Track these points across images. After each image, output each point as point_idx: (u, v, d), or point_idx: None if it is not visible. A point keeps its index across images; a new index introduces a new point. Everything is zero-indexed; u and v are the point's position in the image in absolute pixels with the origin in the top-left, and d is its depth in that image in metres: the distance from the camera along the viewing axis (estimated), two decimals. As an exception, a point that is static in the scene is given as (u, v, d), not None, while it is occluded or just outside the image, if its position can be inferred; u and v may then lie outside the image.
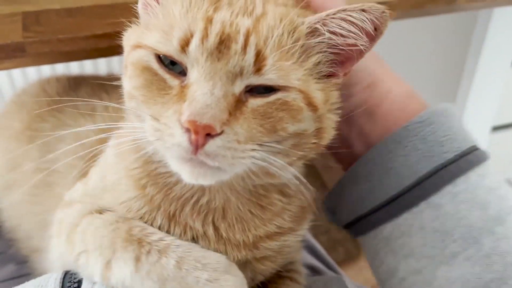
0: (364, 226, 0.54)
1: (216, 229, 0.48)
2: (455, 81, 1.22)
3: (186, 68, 0.42)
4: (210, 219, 0.48)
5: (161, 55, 0.42)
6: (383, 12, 0.42)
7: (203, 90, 0.39)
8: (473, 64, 1.12)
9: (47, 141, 0.68)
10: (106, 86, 0.75)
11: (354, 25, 0.43)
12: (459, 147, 0.48)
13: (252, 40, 0.41)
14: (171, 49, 0.41)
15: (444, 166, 0.48)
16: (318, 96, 0.44)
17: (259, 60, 0.41)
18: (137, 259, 0.44)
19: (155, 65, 0.42)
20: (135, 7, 0.64)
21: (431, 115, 0.50)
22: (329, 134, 0.47)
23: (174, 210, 0.48)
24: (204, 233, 0.48)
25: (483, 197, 0.46)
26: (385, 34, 0.43)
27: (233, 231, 0.48)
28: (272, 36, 0.41)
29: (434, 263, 0.47)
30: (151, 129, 0.41)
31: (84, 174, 0.60)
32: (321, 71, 0.45)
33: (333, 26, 0.43)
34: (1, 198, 0.73)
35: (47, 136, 0.68)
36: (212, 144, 0.39)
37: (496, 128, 1.50)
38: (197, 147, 0.38)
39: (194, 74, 0.41)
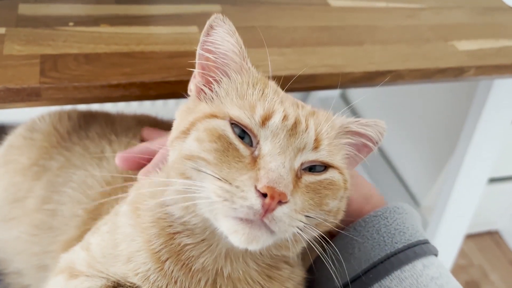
0: None
1: None
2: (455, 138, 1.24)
3: (258, 141, 0.47)
4: None
5: (234, 128, 0.48)
6: (383, 127, 0.54)
7: (277, 162, 0.45)
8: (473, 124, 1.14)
9: (53, 180, 0.69)
10: (116, 126, 0.76)
11: (368, 131, 0.54)
12: (408, 239, 0.56)
13: (312, 122, 0.49)
14: (253, 122, 0.47)
15: (394, 254, 0.55)
16: (348, 180, 0.52)
17: (317, 140, 0.49)
18: None
19: (231, 135, 0.47)
20: (149, 55, 0.66)
21: (386, 211, 0.59)
22: (340, 216, 0.53)
23: (191, 284, 0.49)
24: None
25: (425, 283, 0.53)
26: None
27: None
28: (324, 126, 0.50)
29: None
30: (219, 190, 0.44)
31: (81, 234, 0.60)
32: (345, 164, 0.53)
33: (355, 129, 0.54)
34: None
35: (54, 176, 0.69)
36: (280, 210, 0.43)
37: (493, 180, 1.53)
38: (267, 211, 0.42)
39: (268, 147, 0.46)
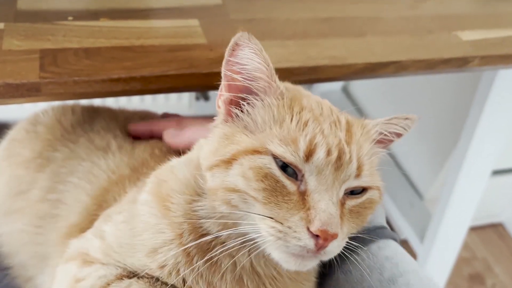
0: None
1: None
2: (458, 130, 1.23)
3: (302, 175, 0.47)
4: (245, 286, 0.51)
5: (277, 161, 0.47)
6: (415, 120, 0.55)
7: (325, 199, 0.46)
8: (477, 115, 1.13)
9: (57, 171, 0.69)
10: (120, 121, 0.76)
11: (401, 128, 0.55)
12: (364, 226, 0.57)
13: (354, 149, 0.48)
14: (297, 159, 0.46)
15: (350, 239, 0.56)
16: (382, 189, 0.52)
17: (359, 167, 0.48)
18: None
19: (278, 172, 0.46)
20: (149, 48, 0.66)
21: None
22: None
23: (216, 280, 0.50)
24: None
25: (380, 263, 0.56)
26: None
27: None
28: (364, 145, 0.50)
29: None
30: (271, 230, 0.45)
31: (93, 215, 0.60)
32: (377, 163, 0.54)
33: (388, 130, 0.54)
34: (1, 224, 0.72)
35: (59, 167, 0.69)
36: (331, 246, 0.45)
37: (496, 172, 1.52)
38: (320, 249, 0.45)
39: (313, 183, 0.46)
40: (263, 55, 0.49)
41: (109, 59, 0.63)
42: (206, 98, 1.67)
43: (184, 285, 0.50)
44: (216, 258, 0.50)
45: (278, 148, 0.46)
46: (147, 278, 0.50)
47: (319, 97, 0.56)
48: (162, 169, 0.57)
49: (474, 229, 1.71)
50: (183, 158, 0.57)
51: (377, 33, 0.77)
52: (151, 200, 0.53)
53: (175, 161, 0.57)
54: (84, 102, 0.83)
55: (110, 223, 0.55)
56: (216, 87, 0.67)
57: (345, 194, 0.48)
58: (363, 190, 0.50)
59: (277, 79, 0.50)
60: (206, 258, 0.49)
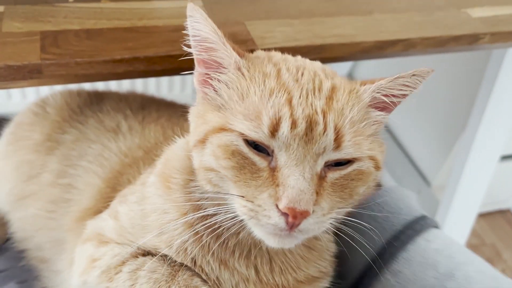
0: None
1: (257, 272, 0.50)
2: (467, 110, 1.21)
3: (272, 151, 0.44)
4: (254, 262, 0.50)
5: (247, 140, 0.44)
6: (428, 72, 0.48)
7: (295, 175, 0.42)
8: (486, 96, 1.11)
9: (67, 154, 0.68)
10: (131, 102, 0.74)
11: (407, 89, 0.48)
12: (404, 219, 0.56)
13: (330, 119, 0.44)
14: (262, 136, 0.43)
15: (394, 237, 0.54)
16: (380, 157, 0.48)
17: (338, 138, 0.44)
18: None
19: (245, 149, 0.44)
20: (152, 29, 0.64)
21: (375, 198, 0.57)
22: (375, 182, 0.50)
23: (226, 256, 0.50)
24: (247, 276, 0.50)
25: (433, 258, 0.53)
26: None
27: (274, 274, 0.50)
28: (346, 113, 0.45)
29: None
30: (243, 209, 0.44)
31: (107, 198, 0.59)
32: (376, 131, 0.49)
33: (389, 91, 0.48)
34: (14, 209, 0.72)
35: (68, 149, 0.68)
36: (306, 223, 0.43)
37: (505, 158, 1.50)
38: (292, 227, 0.42)
39: (283, 158, 0.43)
40: (209, 23, 0.46)
41: (111, 40, 0.62)
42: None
43: (194, 265, 0.49)
44: (223, 236, 0.49)
45: (240, 125, 0.44)
46: (161, 256, 0.50)
47: (308, 60, 0.52)
48: (170, 148, 0.56)
49: (482, 216, 1.69)
50: (185, 137, 0.56)
51: (385, 10, 0.75)
52: (157, 181, 0.53)
53: (179, 140, 0.56)
54: (87, 87, 0.81)
55: (124, 204, 0.54)
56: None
57: (326, 166, 0.45)
58: (348, 161, 0.45)
59: (230, 48, 0.47)
60: (212, 235, 0.48)
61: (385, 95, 0.48)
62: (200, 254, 0.49)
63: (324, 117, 0.43)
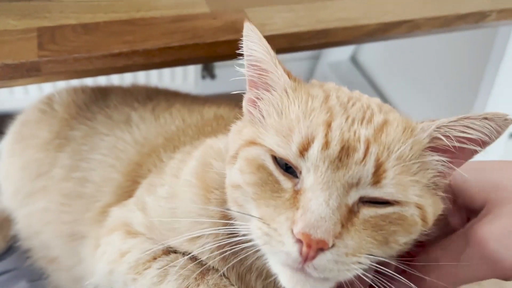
0: None
1: None
2: (475, 86, 1.19)
3: (300, 172, 0.40)
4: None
5: (277, 158, 0.41)
6: (505, 119, 0.40)
7: (318, 200, 0.38)
8: (494, 70, 1.09)
9: (78, 149, 0.67)
10: (137, 94, 0.74)
11: (475, 132, 0.40)
12: None
13: (373, 150, 0.39)
14: (289, 153, 0.40)
15: None
16: (430, 211, 0.42)
17: (378, 172, 0.39)
18: None
19: (271, 166, 0.41)
20: (150, 21, 0.63)
21: None
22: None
23: (244, 272, 0.48)
24: None
25: None
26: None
27: None
28: (394, 149, 0.40)
29: None
30: (258, 232, 0.40)
31: (129, 192, 0.58)
32: (435, 183, 0.43)
33: (451, 132, 0.41)
34: (21, 207, 0.72)
35: (79, 144, 0.68)
36: (323, 258, 0.37)
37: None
38: (306, 259, 0.37)
39: (310, 180, 0.39)
40: (263, 44, 0.44)
41: (109, 34, 0.60)
42: (212, 76, 1.64)
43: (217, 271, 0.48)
44: (242, 255, 0.46)
45: (270, 139, 0.41)
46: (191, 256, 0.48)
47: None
48: (207, 149, 0.53)
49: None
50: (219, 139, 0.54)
51: (387, -9, 0.73)
52: (195, 185, 0.50)
53: (216, 141, 0.53)
54: (89, 82, 0.81)
55: (152, 195, 0.53)
56: (221, 57, 0.65)
57: (362, 202, 0.40)
58: (388, 202, 0.40)
59: (280, 68, 0.45)
60: (233, 251, 0.45)
61: (446, 136, 0.41)
62: (221, 264, 0.47)
63: (366, 146, 0.39)
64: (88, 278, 0.56)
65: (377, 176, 0.39)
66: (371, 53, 1.68)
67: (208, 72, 1.60)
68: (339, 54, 1.71)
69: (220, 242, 0.45)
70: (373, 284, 0.42)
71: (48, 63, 0.56)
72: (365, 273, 0.40)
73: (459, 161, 0.43)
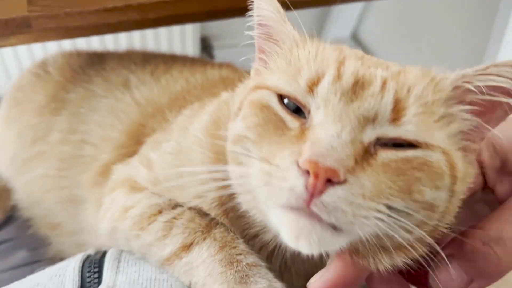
0: None
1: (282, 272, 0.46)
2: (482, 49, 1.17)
3: (309, 111, 0.36)
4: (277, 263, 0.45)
5: (284, 100, 0.38)
6: None
7: (328, 131, 0.33)
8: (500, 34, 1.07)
9: (75, 112, 0.66)
10: (134, 58, 0.72)
11: (506, 80, 0.35)
12: None
13: (391, 85, 0.35)
14: (297, 89, 0.36)
15: None
16: (460, 164, 0.36)
17: (397, 109, 0.35)
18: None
19: (277, 106, 0.37)
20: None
21: None
22: (449, 219, 0.38)
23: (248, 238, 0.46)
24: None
25: None
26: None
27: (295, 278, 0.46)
28: (415, 88, 0.36)
29: None
30: (259, 173, 0.34)
31: (130, 151, 0.57)
32: (461, 141, 0.38)
33: (478, 82, 0.36)
34: (19, 174, 0.70)
35: (76, 107, 0.66)
36: (332, 193, 0.31)
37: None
38: (312, 194, 0.31)
39: (320, 116, 0.35)
40: (272, 3, 0.42)
41: (102, -11, 0.58)
42: (211, 56, 1.62)
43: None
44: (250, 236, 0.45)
45: (275, 79, 0.38)
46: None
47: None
48: (222, 105, 0.50)
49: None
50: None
51: None
52: (204, 142, 0.46)
53: (228, 97, 0.50)
54: (84, 48, 0.79)
55: (157, 151, 0.51)
56: (220, 14, 0.62)
57: (380, 144, 0.35)
58: (410, 144, 0.35)
59: (291, 26, 0.42)
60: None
61: (472, 85, 0.36)
62: (228, 221, 0.46)
63: (383, 82, 0.36)
64: (92, 241, 0.55)
65: (396, 113, 0.35)
66: (372, 30, 1.66)
67: (207, 53, 1.58)
68: (340, 31, 1.69)
69: (225, 208, 0.44)
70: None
71: (38, 18, 0.54)
72: (389, 231, 0.33)
73: (492, 117, 0.37)
